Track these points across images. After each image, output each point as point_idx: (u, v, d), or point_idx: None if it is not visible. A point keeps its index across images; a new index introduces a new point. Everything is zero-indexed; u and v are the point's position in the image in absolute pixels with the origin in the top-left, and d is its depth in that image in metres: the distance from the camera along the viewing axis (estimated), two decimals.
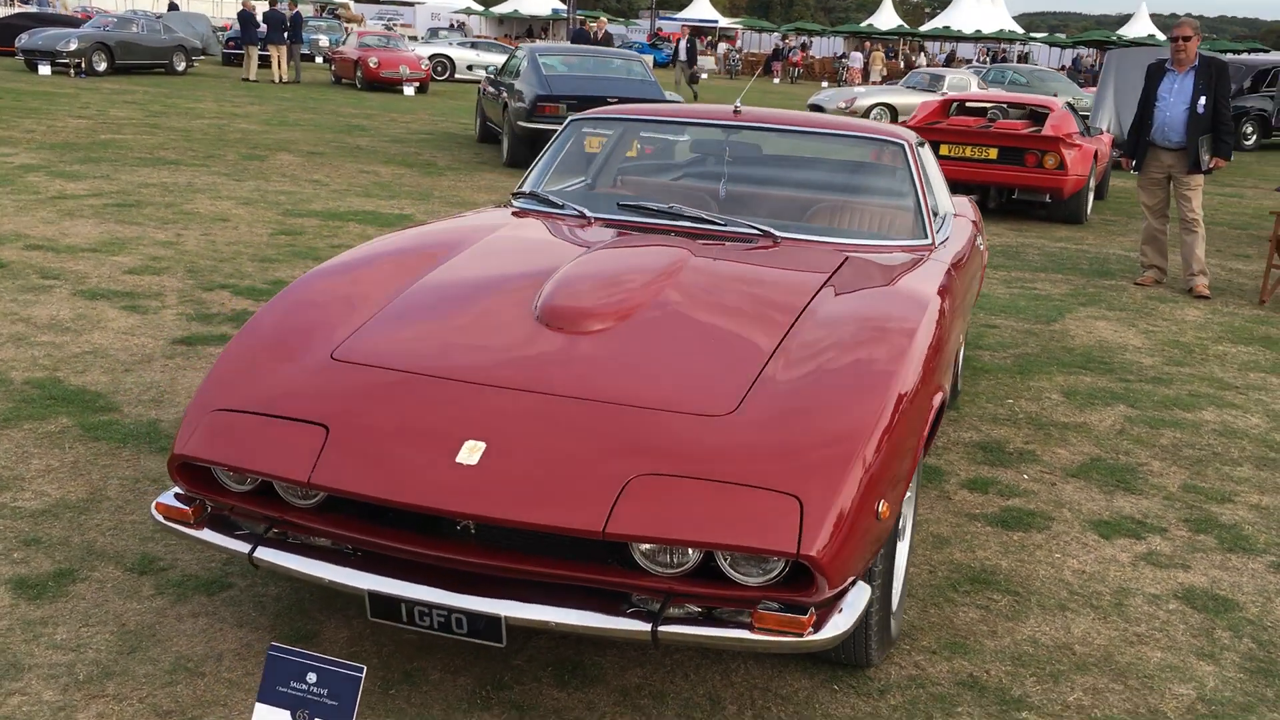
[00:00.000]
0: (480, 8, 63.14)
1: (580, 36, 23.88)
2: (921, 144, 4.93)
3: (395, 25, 48.56)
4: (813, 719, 2.99)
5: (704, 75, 41.95)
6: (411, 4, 64.13)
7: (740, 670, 3.18)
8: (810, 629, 2.56)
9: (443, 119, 20.11)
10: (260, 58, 26.05)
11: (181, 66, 26.39)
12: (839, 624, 2.62)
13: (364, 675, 2.50)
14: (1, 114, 15.58)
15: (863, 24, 58.40)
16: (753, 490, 2.59)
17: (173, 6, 38.13)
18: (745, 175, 4.94)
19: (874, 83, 38.49)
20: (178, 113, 17.61)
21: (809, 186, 4.90)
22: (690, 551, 2.63)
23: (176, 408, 4.92)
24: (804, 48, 56.78)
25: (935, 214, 4.59)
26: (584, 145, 5.14)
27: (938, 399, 3.31)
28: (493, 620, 2.63)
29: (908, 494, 3.18)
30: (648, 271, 3.55)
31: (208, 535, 2.93)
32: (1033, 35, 60.78)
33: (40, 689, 2.92)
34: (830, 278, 3.66)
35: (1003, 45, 56.57)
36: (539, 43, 27.51)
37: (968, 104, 13.63)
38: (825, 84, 42.17)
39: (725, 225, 4.19)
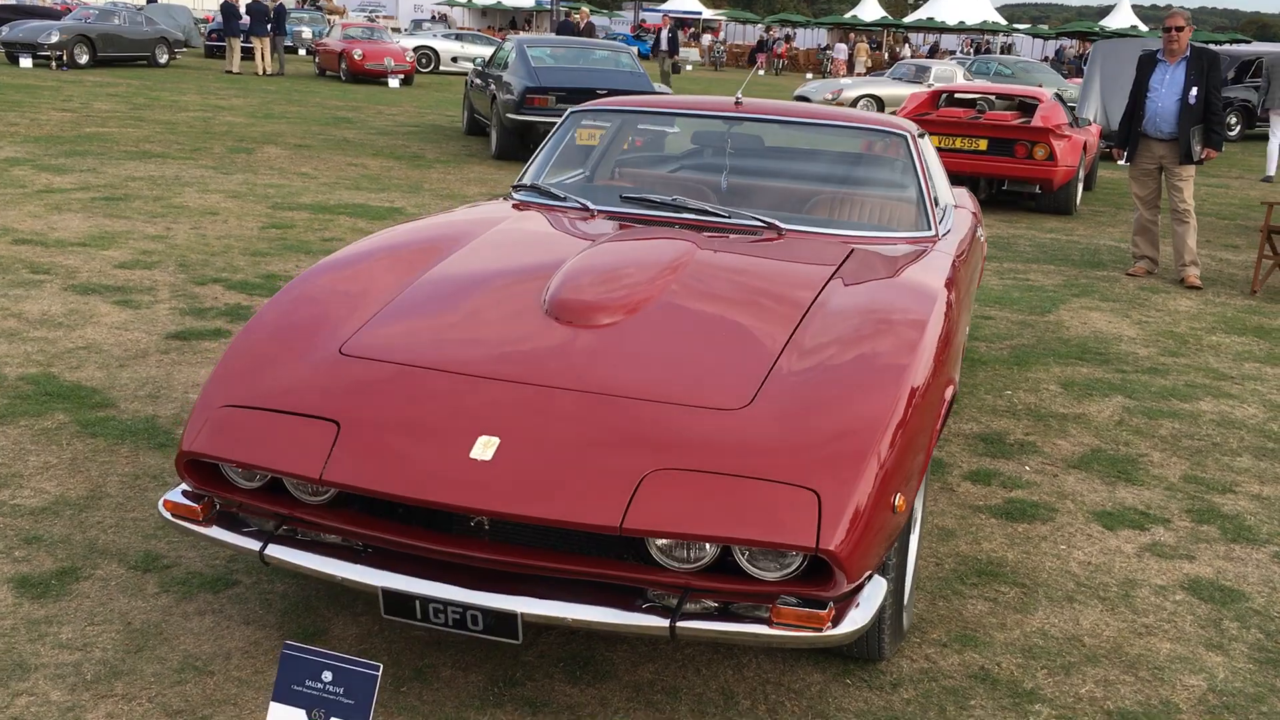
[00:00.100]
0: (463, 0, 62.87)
1: (566, 28, 23.77)
2: (922, 135, 4.92)
3: (377, 17, 48.31)
4: (826, 713, 2.98)
5: (688, 66, 41.92)
6: None
7: (752, 665, 3.17)
8: (829, 624, 2.55)
9: (429, 111, 20.02)
10: (243, 50, 25.90)
11: (164, 59, 26.20)
12: (857, 618, 2.60)
13: (380, 673, 2.48)
14: None
15: (846, 15, 58.37)
16: (770, 484, 2.58)
17: None
18: (747, 167, 4.92)
19: (859, 74, 38.50)
20: (162, 105, 17.48)
21: (811, 178, 4.88)
22: (707, 546, 2.62)
23: (174, 403, 4.88)
24: (788, 39, 56.68)
25: (937, 205, 4.58)
26: (580, 139, 5.11)
27: (949, 392, 3.31)
28: (509, 617, 2.61)
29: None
30: (655, 265, 3.53)
31: (217, 533, 2.89)
32: (1015, 26, 60.82)
33: (48, 689, 2.89)
34: (838, 270, 3.65)
35: (986, 37, 56.64)
36: (526, 34, 27.40)
37: (956, 95, 13.63)
38: (810, 76, 42.16)
39: (729, 217, 4.17)
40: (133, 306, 6.30)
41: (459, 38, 35.20)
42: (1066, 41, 54.62)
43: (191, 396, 4.96)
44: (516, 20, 61.03)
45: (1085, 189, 13.53)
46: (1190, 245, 8.64)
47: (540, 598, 2.64)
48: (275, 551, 2.81)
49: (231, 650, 3.11)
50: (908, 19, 57.22)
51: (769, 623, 2.56)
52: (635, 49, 17.85)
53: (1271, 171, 15.99)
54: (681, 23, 53.04)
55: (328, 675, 2.50)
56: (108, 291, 6.57)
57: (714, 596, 2.64)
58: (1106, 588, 3.75)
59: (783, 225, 4.14)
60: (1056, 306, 7.71)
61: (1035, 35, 61.61)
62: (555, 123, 4.98)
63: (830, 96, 23.70)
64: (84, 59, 23.84)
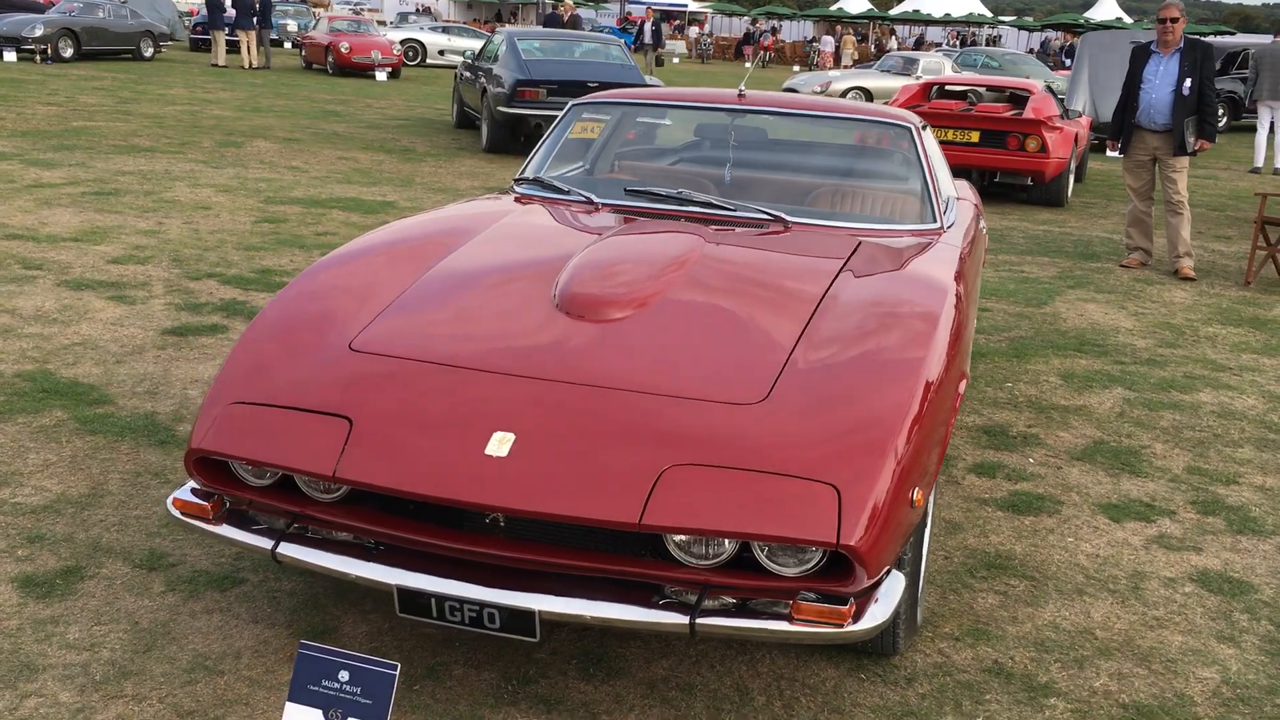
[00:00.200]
0: None
1: (553, 20, 23.68)
2: (925, 127, 4.91)
3: (363, 9, 48.05)
4: (841, 709, 2.97)
5: (674, 59, 41.83)
6: None
7: (766, 660, 3.15)
8: (850, 619, 2.53)
9: (418, 104, 19.94)
10: (228, 43, 25.73)
11: (149, 52, 26.01)
12: (877, 614, 2.59)
13: (398, 672, 2.45)
14: None
15: (832, 8, 58.34)
16: (789, 479, 2.56)
17: None
18: (750, 160, 4.90)
19: (846, 67, 38.46)
20: (149, 99, 17.36)
21: (815, 171, 4.86)
22: (726, 542, 2.60)
23: (172, 399, 4.83)
24: (774, 32, 56.64)
25: (941, 197, 4.56)
26: (574, 132, 5.07)
27: (962, 385, 3.29)
28: (527, 615, 2.58)
29: None
30: (664, 258, 3.51)
31: (228, 531, 2.86)
32: (1001, 19, 60.91)
33: (56, 690, 2.85)
34: (846, 263, 3.63)
35: (972, 29, 56.67)
36: (515, 27, 27.28)
37: (947, 88, 13.62)
38: (797, 68, 42.12)
39: (735, 210, 4.15)
40: (127, 302, 6.25)
41: (446, 30, 35.03)
42: (1051, 33, 54.71)
43: (190, 393, 4.92)
44: (503, 13, 60.79)
45: (1076, 181, 13.54)
46: (1184, 236, 8.66)
47: (557, 595, 2.62)
48: (288, 550, 2.77)
49: (241, 649, 3.07)
50: (894, 11, 57.19)
51: (789, 619, 2.54)
52: (623, 41, 17.80)
53: (1259, 163, 16.04)
54: (667, 15, 52.97)
55: (344, 675, 2.47)
56: (101, 287, 6.51)
57: (733, 593, 2.62)
58: (1116, 580, 3.75)
59: (788, 218, 4.12)
60: (1052, 298, 7.71)
61: (1020, 27, 61.72)
62: (545, 115, 4.95)
63: (819, 89, 23.64)
64: (68, 52, 23.65)
